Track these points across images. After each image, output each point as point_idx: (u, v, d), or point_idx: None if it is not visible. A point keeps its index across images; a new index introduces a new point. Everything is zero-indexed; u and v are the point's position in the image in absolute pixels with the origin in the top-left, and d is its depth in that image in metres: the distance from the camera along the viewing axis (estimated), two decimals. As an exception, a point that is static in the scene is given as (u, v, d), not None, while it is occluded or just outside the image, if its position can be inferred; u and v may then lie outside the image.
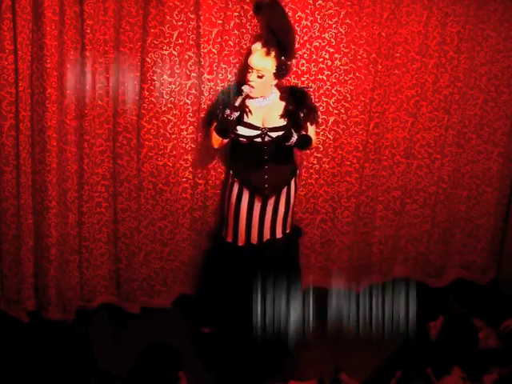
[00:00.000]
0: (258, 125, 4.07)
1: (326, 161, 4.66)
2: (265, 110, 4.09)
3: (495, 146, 4.85)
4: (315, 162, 4.64)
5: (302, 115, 4.13)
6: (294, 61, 4.15)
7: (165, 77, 4.17)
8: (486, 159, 4.89)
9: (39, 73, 4.02)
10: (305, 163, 4.59)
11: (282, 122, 4.10)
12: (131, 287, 4.62)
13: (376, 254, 4.99)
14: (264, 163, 4.13)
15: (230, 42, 4.15)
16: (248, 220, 4.23)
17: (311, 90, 4.28)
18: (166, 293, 4.70)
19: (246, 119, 4.06)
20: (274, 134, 4.07)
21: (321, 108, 4.49)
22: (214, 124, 4.06)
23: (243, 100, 3.99)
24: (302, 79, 4.35)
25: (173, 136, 4.32)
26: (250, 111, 4.05)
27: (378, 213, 4.89)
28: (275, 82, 4.07)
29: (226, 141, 4.08)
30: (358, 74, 4.44)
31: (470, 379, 3.46)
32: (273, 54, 3.94)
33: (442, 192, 4.88)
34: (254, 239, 4.27)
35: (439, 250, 5.03)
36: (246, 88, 3.97)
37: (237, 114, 3.96)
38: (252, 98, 4.05)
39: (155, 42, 4.09)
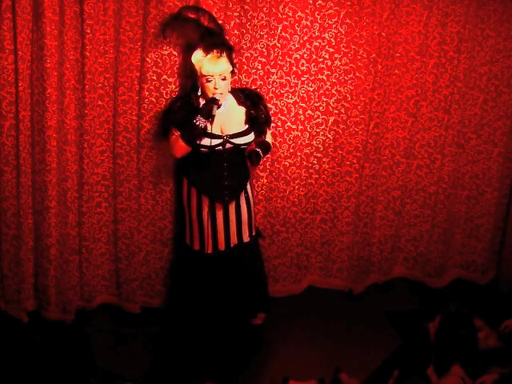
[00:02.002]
0: (217, 133, 4.03)
1: (326, 161, 4.66)
2: (221, 117, 4.04)
3: (495, 145, 4.85)
4: (315, 161, 4.64)
5: (262, 118, 4.15)
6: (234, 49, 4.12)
7: (165, 77, 4.17)
8: (486, 159, 4.89)
9: (39, 73, 4.02)
10: (305, 163, 4.60)
11: (242, 128, 4.09)
12: (131, 287, 4.62)
13: (376, 254, 4.99)
14: (223, 170, 4.10)
15: (230, 42, 4.15)
16: (213, 227, 4.20)
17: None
18: (167, 293, 4.70)
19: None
20: (235, 141, 4.06)
21: (321, 108, 4.51)
22: (177, 133, 3.98)
23: (217, 107, 3.93)
24: (302, 79, 4.36)
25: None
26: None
27: (378, 213, 4.89)
28: (232, 78, 4.06)
29: (189, 149, 4.02)
30: (358, 74, 4.44)
31: (469, 379, 3.46)
32: (224, 53, 3.92)
33: (442, 192, 4.88)
34: (222, 246, 4.26)
35: (439, 250, 5.03)
36: (217, 96, 3.94)
37: (207, 122, 3.91)
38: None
39: (155, 41, 4.09)
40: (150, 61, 4.13)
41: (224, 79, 3.94)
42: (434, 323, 3.70)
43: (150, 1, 4.01)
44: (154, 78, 4.17)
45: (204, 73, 3.92)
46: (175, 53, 4.13)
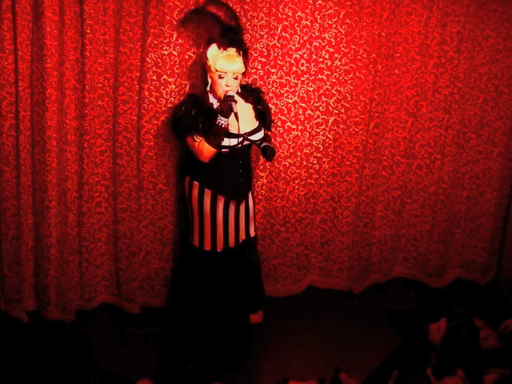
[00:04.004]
0: (235, 132, 4.01)
1: (326, 161, 4.66)
2: (233, 116, 4.00)
3: (495, 145, 4.85)
4: (315, 161, 4.65)
5: (268, 110, 4.19)
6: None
7: (165, 77, 4.17)
8: (486, 159, 4.89)
9: (39, 73, 4.02)
10: (305, 163, 4.60)
11: (255, 124, 4.10)
12: (131, 287, 4.62)
13: (376, 254, 4.99)
14: (238, 168, 4.11)
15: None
16: (225, 226, 4.21)
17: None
18: (167, 293, 4.70)
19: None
20: (252, 137, 4.06)
21: (321, 108, 4.51)
22: (199, 139, 3.94)
23: (235, 104, 3.92)
24: (302, 79, 4.36)
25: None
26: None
27: (378, 213, 4.89)
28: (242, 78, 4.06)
29: (217, 150, 3.98)
30: (357, 74, 4.45)
31: (469, 379, 3.46)
32: (241, 53, 3.94)
33: (442, 192, 4.88)
34: (232, 242, 4.26)
35: (439, 250, 5.03)
36: (231, 93, 3.93)
37: (228, 120, 3.91)
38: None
39: (155, 42, 4.09)
40: (150, 61, 4.13)
41: (236, 78, 3.95)
42: (438, 325, 3.68)
43: (149, 1, 4.01)
44: (154, 78, 4.17)
45: (218, 68, 3.91)
46: (175, 53, 4.13)
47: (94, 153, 4.32)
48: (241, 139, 4.02)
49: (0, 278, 4.51)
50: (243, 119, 4.02)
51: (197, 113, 3.95)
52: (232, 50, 3.92)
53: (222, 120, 3.90)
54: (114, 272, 4.64)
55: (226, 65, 3.90)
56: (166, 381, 4.16)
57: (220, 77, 3.92)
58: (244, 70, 4.00)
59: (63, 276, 4.48)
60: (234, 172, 4.11)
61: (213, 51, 3.93)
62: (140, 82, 4.19)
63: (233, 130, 4.00)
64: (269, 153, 4.12)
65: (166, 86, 4.19)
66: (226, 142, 3.98)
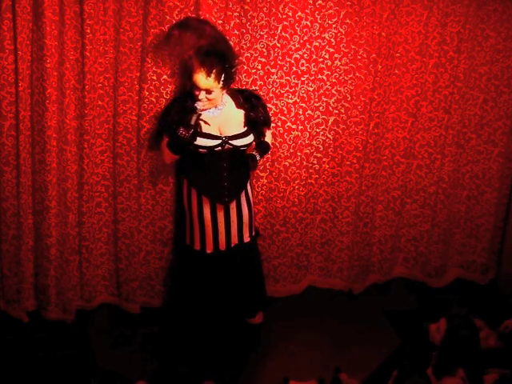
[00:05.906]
0: (216, 134, 4.01)
1: (326, 161, 4.66)
2: (220, 119, 4.03)
3: (495, 146, 4.85)
4: (315, 161, 4.65)
5: (261, 120, 4.14)
6: (238, 61, 4.06)
7: (165, 77, 4.17)
8: (486, 159, 4.89)
9: (39, 73, 4.02)
10: (305, 163, 4.60)
11: (241, 129, 4.08)
12: (131, 287, 4.62)
13: (376, 254, 4.99)
14: (223, 171, 4.10)
15: (230, 42, 4.15)
16: (214, 227, 4.19)
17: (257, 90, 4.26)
18: (166, 293, 4.70)
19: (203, 130, 3.98)
20: (234, 142, 4.05)
21: (321, 108, 4.51)
22: (166, 140, 3.99)
23: (198, 117, 3.91)
24: (302, 79, 4.36)
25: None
26: (206, 122, 3.98)
27: (378, 213, 4.89)
28: (225, 90, 4.02)
29: (177, 156, 4.03)
30: (357, 74, 4.45)
31: (470, 379, 3.46)
32: (214, 73, 3.85)
33: (442, 192, 4.88)
34: (222, 246, 4.25)
35: (439, 250, 5.03)
36: (198, 105, 3.91)
37: (191, 131, 3.88)
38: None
39: (155, 42, 4.09)
40: (150, 61, 4.13)
41: (210, 93, 3.91)
42: (438, 325, 3.69)
43: (149, 1, 4.01)
44: (154, 78, 4.17)
45: (193, 80, 3.92)
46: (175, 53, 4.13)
47: (94, 153, 4.32)
48: (220, 141, 4.01)
49: (0, 278, 4.51)
50: (228, 123, 4.03)
51: (176, 112, 3.98)
52: (204, 71, 3.86)
53: (181, 130, 3.89)
54: (114, 272, 4.64)
55: (197, 80, 3.89)
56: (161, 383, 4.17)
57: (196, 88, 3.92)
58: (219, 85, 3.90)
59: (63, 276, 4.49)
60: (217, 175, 4.10)
61: (195, 63, 3.89)
62: (140, 82, 4.19)
63: (213, 131, 4.00)
64: (250, 162, 4.11)
65: (165, 86, 4.19)
66: (204, 142, 3.98)
